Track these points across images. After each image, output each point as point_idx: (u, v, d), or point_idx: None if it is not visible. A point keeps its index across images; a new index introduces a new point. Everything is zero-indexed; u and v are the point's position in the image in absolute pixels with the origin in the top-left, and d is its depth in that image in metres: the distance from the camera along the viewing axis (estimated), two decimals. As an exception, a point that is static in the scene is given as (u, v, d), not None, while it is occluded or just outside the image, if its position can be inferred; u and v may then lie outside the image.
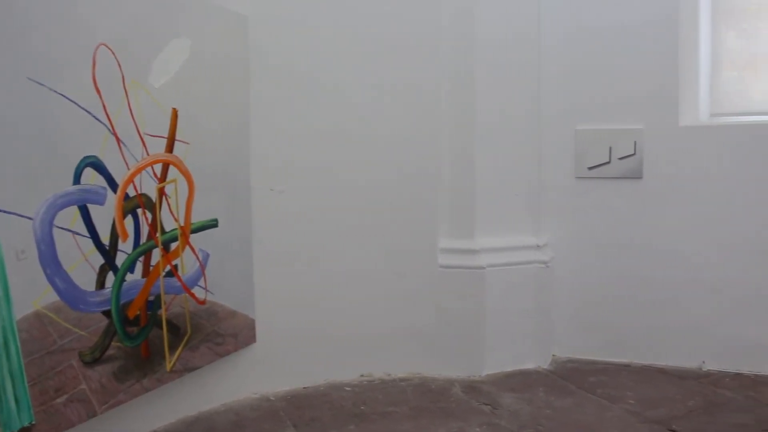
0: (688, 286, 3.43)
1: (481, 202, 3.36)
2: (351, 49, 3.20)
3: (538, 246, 3.45)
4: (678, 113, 3.42)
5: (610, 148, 3.48)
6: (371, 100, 3.26)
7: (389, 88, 3.27)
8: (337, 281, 3.23)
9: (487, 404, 3.00)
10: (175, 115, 2.59)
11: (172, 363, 2.61)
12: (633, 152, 3.45)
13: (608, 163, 3.49)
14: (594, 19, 3.48)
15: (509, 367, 3.39)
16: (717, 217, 3.38)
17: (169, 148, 2.58)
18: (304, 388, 3.18)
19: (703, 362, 3.42)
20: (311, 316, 3.18)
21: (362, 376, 3.31)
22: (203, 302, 2.78)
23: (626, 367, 3.45)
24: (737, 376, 3.32)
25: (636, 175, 3.45)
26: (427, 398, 3.08)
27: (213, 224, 2.82)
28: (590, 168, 3.51)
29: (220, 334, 2.88)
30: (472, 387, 3.20)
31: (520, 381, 3.27)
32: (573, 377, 3.32)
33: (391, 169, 3.30)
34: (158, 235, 2.53)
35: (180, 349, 2.66)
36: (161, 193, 2.54)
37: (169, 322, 2.60)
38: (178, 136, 2.61)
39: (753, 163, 3.34)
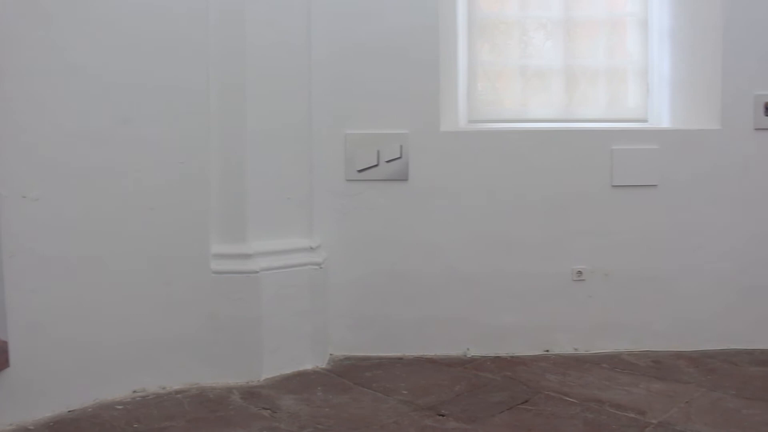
0: (451, 278, 3.69)
1: (253, 206, 3.34)
2: (112, 45, 3.01)
3: (311, 248, 3.51)
4: (439, 119, 3.67)
5: (378, 152, 3.64)
6: (135, 100, 3.08)
7: (155, 87, 3.12)
8: (103, 293, 3.03)
9: (266, 408, 2.99)
10: None
11: None
12: (399, 155, 3.64)
13: (377, 165, 3.64)
14: (362, 30, 3.61)
15: (288, 370, 3.40)
16: (474, 214, 3.68)
17: None
18: (70, 411, 2.93)
19: (468, 349, 3.70)
20: (75, 332, 2.95)
21: (135, 392, 3.14)
22: (-59, 325, 2.47)
23: (399, 360, 3.63)
24: (496, 359, 3.63)
25: (402, 177, 3.65)
26: (205, 408, 3.00)
27: (-48, 237, 2.52)
28: (360, 171, 3.64)
29: (-37, 361, 2.57)
30: (251, 392, 3.17)
31: (298, 382, 3.30)
32: (350, 374, 3.41)
33: (159, 173, 3.15)
34: None
35: None
36: None
37: None
38: None
39: (505, 165, 3.70)
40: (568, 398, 3.06)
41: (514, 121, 3.95)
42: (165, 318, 3.19)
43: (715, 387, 3.19)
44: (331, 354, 3.66)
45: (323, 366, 3.53)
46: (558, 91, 4.02)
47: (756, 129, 3.74)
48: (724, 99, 3.73)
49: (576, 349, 3.73)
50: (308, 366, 3.48)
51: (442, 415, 2.89)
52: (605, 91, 4.06)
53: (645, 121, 4.05)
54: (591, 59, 4.04)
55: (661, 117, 4.02)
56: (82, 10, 2.94)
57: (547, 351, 3.73)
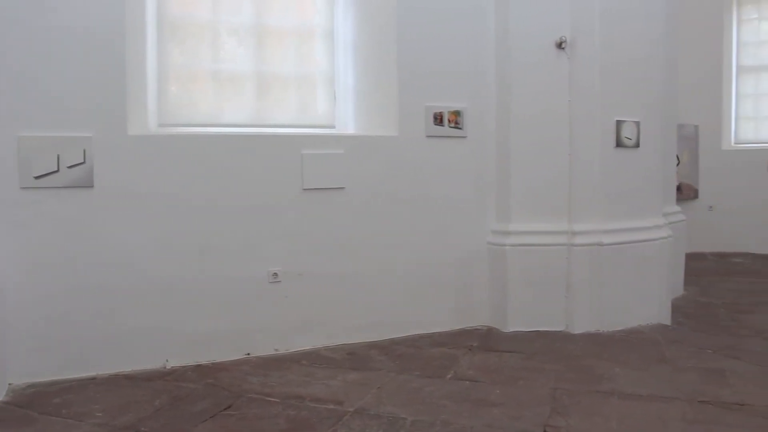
0: (145, 289, 3.55)
1: None
2: None
3: (-20, 266, 3.11)
4: (127, 122, 3.49)
5: (59, 156, 3.35)
6: None
7: None
8: None
9: (-75, 460, 2.58)
10: None
11: None
12: (83, 160, 3.40)
13: (57, 171, 3.35)
14: (39, 22, 3.29)
15: (-45, 409, 2.97)
16: (167, 221, 3.59)
17: None
18: None
19: (167, 361, 3.59)
20: None
21: None
22: None
23: (92, 381, 3.39)
24: (198, 367, 3.58)
25: (86, 184, 3.41)
26: None
27: None
28: (37, 177, 3.32)
29: None
30: None
31: (-31, 422, 2.90)
32: (34, 403, 3.09)
33: None
34: None
35: None
36: None
37: None
38: None
39: (197, 170, 3.65)
40: (270, 398, 3.13)
41: (207, 126, 3.91)
42: None
43: (403, 370, 3.53)
44: (10, 384, 3.28)
45: (1, 399, 3.13)
46: (251, 97, 4.09)
47: (427, 136, 4.20)
48: (400, 108, 4.13)
49: (276, 350, 3.83)
50: (-19, 401, 3.07)
51: (142, 433, 2.76)
52: (296, 97, 4.23)
53: (333, 127, 4.30)
54: (282, 66, 4.17)
55: (347, 123, 4.31)
56: None
57: (249, 354, 3.76)
